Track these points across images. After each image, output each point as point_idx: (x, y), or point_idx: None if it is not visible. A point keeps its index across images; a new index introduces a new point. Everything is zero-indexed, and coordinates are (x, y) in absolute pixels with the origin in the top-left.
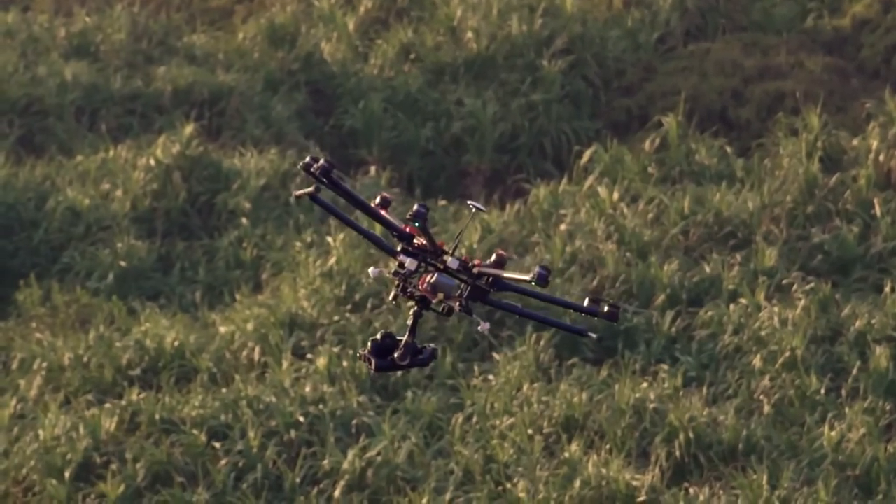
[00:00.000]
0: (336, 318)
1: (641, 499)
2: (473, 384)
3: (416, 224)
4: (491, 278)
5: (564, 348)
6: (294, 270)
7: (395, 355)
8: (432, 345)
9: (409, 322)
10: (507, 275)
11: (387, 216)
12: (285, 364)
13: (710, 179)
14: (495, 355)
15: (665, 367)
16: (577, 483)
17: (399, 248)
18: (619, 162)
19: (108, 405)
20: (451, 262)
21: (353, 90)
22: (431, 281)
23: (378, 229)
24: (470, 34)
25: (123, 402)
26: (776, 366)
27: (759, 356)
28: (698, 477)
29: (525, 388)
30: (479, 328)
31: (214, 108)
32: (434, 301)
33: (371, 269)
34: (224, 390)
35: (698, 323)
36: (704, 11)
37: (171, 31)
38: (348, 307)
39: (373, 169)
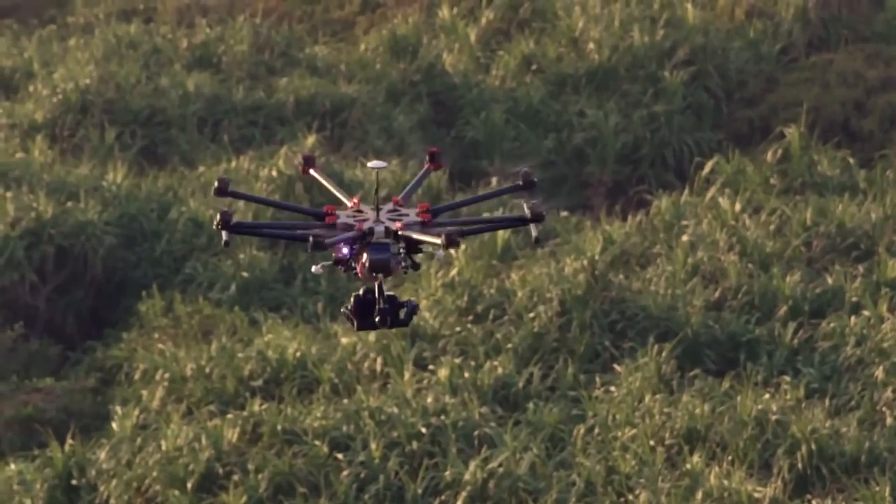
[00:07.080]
0: (458, 329)
1: None
2: (595, 395)
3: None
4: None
5: (687, 359)
6: (416, 282)
7: (376, 320)
8: (413, 300)
9: (377, 292)
10: (416, 236)
11: (298, 206)
12: (407, 375)
13: (833, 191)
14: (617, 367)
15: (787, 378)
16: (699, 495)
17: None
18: (741, 173)
19: (230, 416)
20: (378, 230)
21: (475, 101)
22: (367, 264)
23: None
24: (592, 45)
25: (245, 413)
26: None
27: (881, 368)
28: (821, 489)
29: (647, 399)
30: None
31: (336, 119)
32: (382, 277)
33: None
34: (346, 401)
35: (820, 334)
36: (827, 22)
37: (293, 42)
38: (470, 318)
39: (494, 180)
